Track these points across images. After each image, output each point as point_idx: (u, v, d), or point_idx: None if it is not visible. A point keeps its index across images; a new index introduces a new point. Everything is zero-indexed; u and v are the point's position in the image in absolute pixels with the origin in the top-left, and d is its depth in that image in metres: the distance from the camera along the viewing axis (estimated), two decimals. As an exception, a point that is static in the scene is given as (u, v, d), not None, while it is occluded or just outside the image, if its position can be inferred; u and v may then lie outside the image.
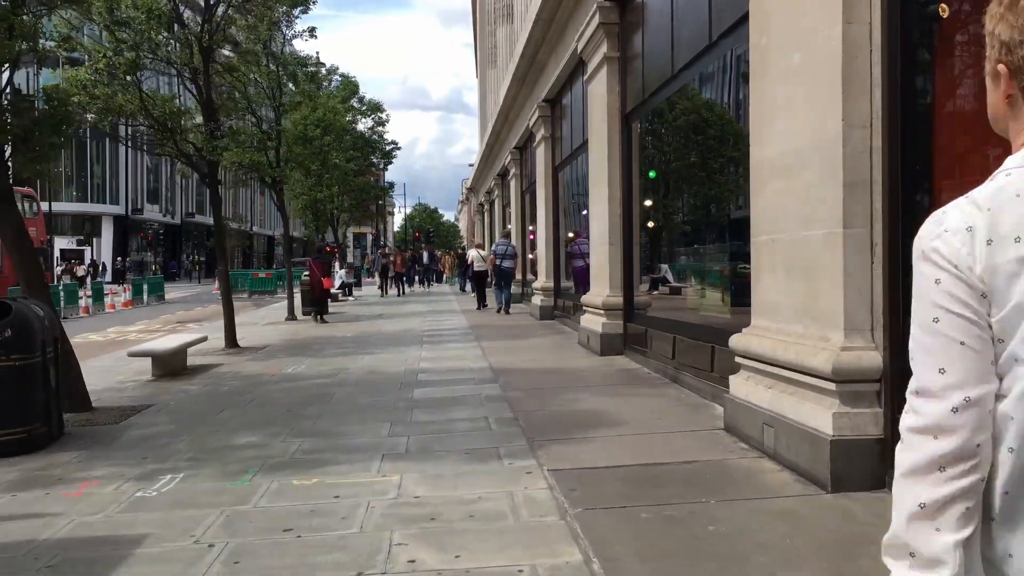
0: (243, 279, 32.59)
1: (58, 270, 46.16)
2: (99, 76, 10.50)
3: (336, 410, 7.08)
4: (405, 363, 10.08)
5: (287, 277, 18.18)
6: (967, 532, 0.97)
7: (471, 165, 48.19)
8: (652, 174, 9.74)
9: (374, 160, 28.12)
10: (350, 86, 27.00)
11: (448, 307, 21.67)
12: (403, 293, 28.30)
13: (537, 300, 16.23)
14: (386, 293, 28.23)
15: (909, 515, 0.99)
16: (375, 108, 27.45)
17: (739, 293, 6.98)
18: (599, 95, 10.30)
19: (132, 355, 9.45)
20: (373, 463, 5.14)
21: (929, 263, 1.01)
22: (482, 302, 19.64)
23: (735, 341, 5.51)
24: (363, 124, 27.70)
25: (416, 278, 32.71)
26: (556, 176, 15.71)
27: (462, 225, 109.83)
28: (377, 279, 34.20)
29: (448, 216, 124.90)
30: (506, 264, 17.99)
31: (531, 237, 21.32)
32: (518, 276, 22.06)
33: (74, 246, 46.84)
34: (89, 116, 10.98)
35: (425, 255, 34.11)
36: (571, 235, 15.58)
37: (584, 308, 11.16)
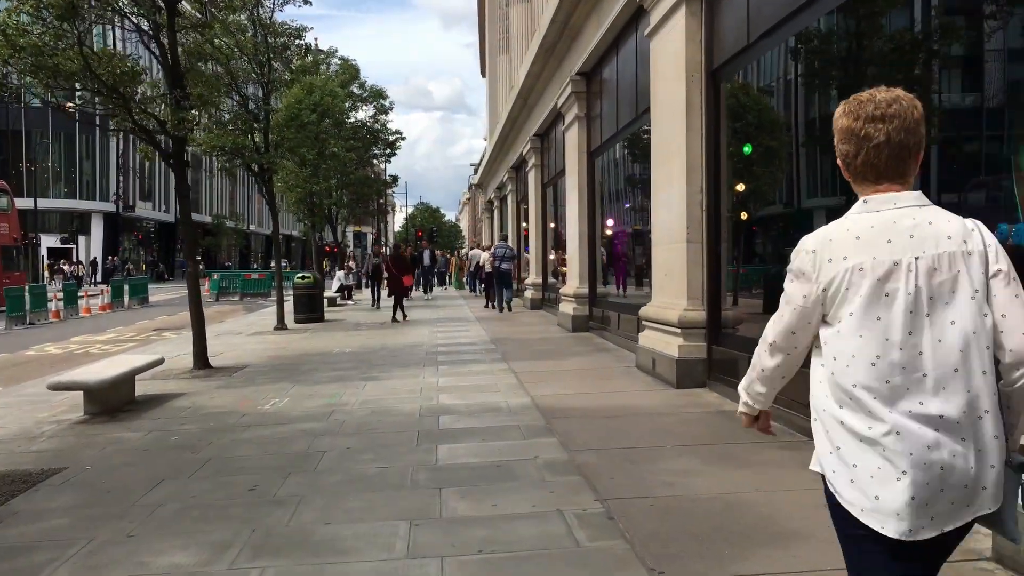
0: (234, 281, 30.25)
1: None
2: (31, 20, 8.15)
3: (325, 486, 4.71)
4: (420, 396, 7.72)
5: (277, 279, 15.80)
6: (767, 391, 2.00)
7: (472, 165, 45.86)
8: (747, 149, 7.39)
9: (376, 151, 25.69)
10: (350, 70, 24.64)
11: (459, 313, 19.29)
12: (404, 316, 17.21)
13: (568, 308, 13.86)
14: (377, 305, 21.03)
15: (748, 379, 2.02)
16: (377, 95, 25.05)
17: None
18: (671, 50, 7.95)
19: (54, 388, 7.08)
20: (386, 638, 2.78)
21: (791, 269, 1.85)
22: (490, 300, 20.36)
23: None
24: (364, 112, 25.33)
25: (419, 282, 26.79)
26: (592, 162, 13.35)
27: (464, 225, 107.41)
28: (360, 285, 29.36)
29: (450, 216, 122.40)
30: (504, 266, 18.90)
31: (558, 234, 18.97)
32: (538, 280, 19.73)
33: (57, 244, 44.52)
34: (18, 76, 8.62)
35: (425, 255, 27.33)
36: (607, 232, 13.25)
37: (645, 323, 8.80)
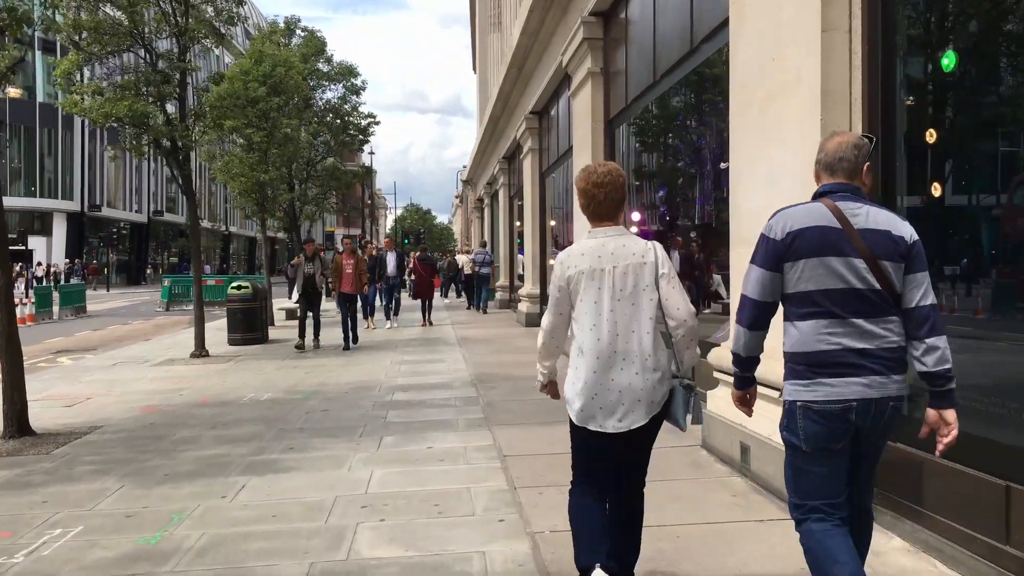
0: (187, 287, 26.50)
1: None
2: None
3: None
4: (323, 527, 4.13)
5: (196, 291, 12.19)
6: (551, 363, 3.11)
7: (467, 167, 42.13)
8: (948, 60, 3.81)
9: (346, 138, 22.00)
10: (314, 42, 21.05)
11: (439, 330, 15.65)
12: (353, 342, 12.76)
13: (577, 332, 10.29)
14: (305, 340, 12.72)
15: (540, 358, 3.10)
16: (347, 72, 21.40)
17: None
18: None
19: None
20: None
21: (553, 275, 3.00)
22: (471, 302, 21.60)
23: None
24: (332, 92, 21.71)
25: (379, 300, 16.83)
26: (611, 133, 9.81)
27: (456, 228, 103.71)
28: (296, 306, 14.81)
29: (442, 219, 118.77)
30: (484, 271, 20.40)
31: (554, 237, 15.41)
32: (535, 291, 16.16)
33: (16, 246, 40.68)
34: None
35: (390, 259, 16.64)
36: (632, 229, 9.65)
37: (719, 375, 5.26)
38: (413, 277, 18.80)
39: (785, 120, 4.44)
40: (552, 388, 3.17)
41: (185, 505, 4.55)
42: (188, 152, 11.71)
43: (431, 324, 16.80)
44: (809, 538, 2.55)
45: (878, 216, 2.49)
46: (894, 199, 3.92)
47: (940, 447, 2.48)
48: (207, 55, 39.40)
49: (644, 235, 10.73)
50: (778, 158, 4.51)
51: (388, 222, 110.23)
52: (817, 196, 2.59)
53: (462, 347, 12.46)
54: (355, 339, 12.89)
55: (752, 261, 2.58)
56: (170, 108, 11.66)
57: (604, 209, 2.93)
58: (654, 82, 7.97)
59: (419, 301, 18.14)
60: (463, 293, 23.57)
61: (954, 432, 2.45)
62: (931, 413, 2.48)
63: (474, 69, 45.98)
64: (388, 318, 16.76)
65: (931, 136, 3.91)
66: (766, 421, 4.44)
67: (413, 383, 8.94)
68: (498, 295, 22.12)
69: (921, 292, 2.46)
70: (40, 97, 48.29)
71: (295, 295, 18.69)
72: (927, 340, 2.44)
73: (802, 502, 2.58)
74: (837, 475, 2.54)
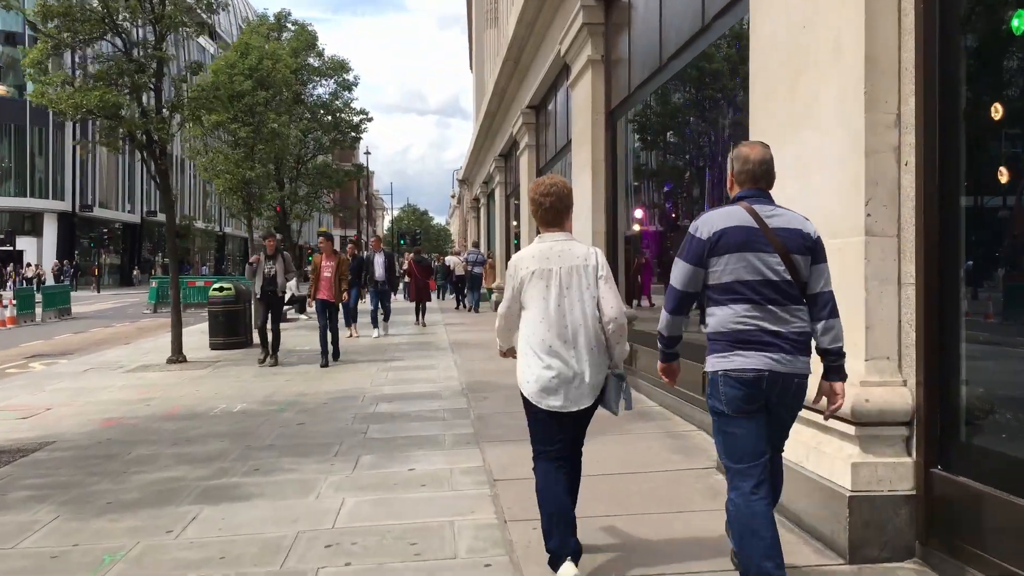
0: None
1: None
2: None
3: None
4: (279, 573, 3.52)
5: (173, 293, 11.57)
6: (509, 338, 3.62)
7: (462, 167, 41.51)
8: (1020, 21, 3.20)
9: (338, 136, 21.38)
10: (305, 36, 20.44)
11: (432, 333, 15.01)
12: (334, 358, 10.82)
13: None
14: (273, 357, 10.70)
15: (498, 333, 3.63)
16: (338, 67, 20.79)
17: None
18: None
19: None
20: None
21: (508, 273, 3.46)
22: (461, 303, 22.03)
23: None
24: (323, 87, 21.12)
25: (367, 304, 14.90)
26: (612, 125, 9.19)
27: (454, 229, 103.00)
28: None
29: (439, 220, 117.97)
30: (476, 271, 20.88)
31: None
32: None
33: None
34: None
35: (379, 260, 14.42)
36: (636, 228, 9.13)
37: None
38: (408, 279, 18.53)
39: (821, 97, 3.82)
40: (511, 352, 3.59)
41: (122, 543, 3.93)
42: (164, 146, 11.06)
43: (424, 325, 16.49)
44: (734, 508, 2.86)
45: (790, 217, 2.88)
46: (951, 191, 3.30)
47: (827, 413, 2.95)
48: (198, 49, 38.75)
49: (647, 235, 10.23)
50: (812, 141, 3.89)
51: (385, 223, 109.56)
52: (736, 200, 2.93)
53: (455, 352, 11.84)
54: (336, 354, 10.92)
55: (679, 256, 2.92)
56: (150, 101, 11.06)
57: (551, 216, 3.35)
58: (660, 66, 7.35)
59: (413, 302, 17.68)
60: (456, 295, 23.37)
61: (841, 401, 2.89)
62: (824, 385, 2.91)
63: (471, 68, 45.34)
64: (375, 325, 14.53)
65: (997, 112, 3.29)
66: (802, 451, 3.82)
67: (400, 392, 8.31)
68: (494, 296, 21.54)
69: (824, 280, 2.85)
70: (30, 95, 47.63)
71: (286, 296, 17.87)
72: (827, 320, 2.84)
73: (731, 464, 2.90)
74: (756, 435, 2.84)
